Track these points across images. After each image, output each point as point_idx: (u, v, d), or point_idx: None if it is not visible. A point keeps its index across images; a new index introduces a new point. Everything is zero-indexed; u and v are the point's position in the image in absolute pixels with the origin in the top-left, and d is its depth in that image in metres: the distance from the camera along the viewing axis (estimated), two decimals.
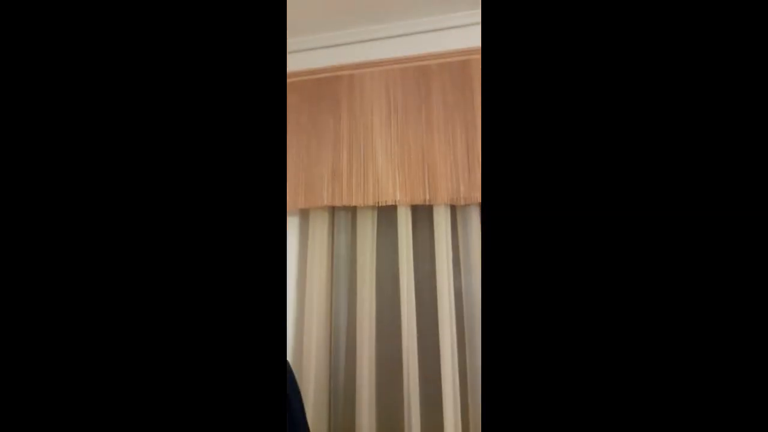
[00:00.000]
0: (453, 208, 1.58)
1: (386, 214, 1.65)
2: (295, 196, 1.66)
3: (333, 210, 1.70)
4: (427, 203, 1.54)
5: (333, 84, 1.71)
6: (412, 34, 1.70)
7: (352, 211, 1.69)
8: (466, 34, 1.64)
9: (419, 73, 1.64)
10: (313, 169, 1.66)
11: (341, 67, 1.72)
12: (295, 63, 1.81)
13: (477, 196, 1.49)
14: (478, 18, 1.63)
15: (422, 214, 1.63)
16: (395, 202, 1.56)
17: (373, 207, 1.63)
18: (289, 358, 1.63)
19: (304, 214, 1.74)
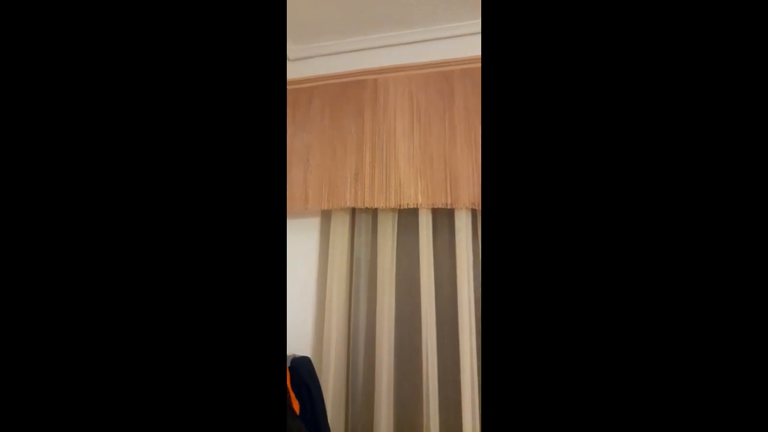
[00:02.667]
0: (474, 213, 1.60)
1: (407, 217, 1.67)
2: (318, 198, 1.69)
3: (354, 211, 1.73)
4: (449, 207, 1.56)
5: (357, 88, 1.73)
6: (435, 39, 1.72)
7: (373, 213, 1.71)
8: None
9: (442, 79, 1.66)
10: (337, 172, 1.68)
11: (365, 72, 1.74)
12: (319, 67, 1.84)
13: None
14: None
15: (443, 218, 1.65)
16: (417, 205, 1.58)
17: (393, 209, 1.65)
18: (310, 356, 1.65)
19: (326, 215, 1.77)
